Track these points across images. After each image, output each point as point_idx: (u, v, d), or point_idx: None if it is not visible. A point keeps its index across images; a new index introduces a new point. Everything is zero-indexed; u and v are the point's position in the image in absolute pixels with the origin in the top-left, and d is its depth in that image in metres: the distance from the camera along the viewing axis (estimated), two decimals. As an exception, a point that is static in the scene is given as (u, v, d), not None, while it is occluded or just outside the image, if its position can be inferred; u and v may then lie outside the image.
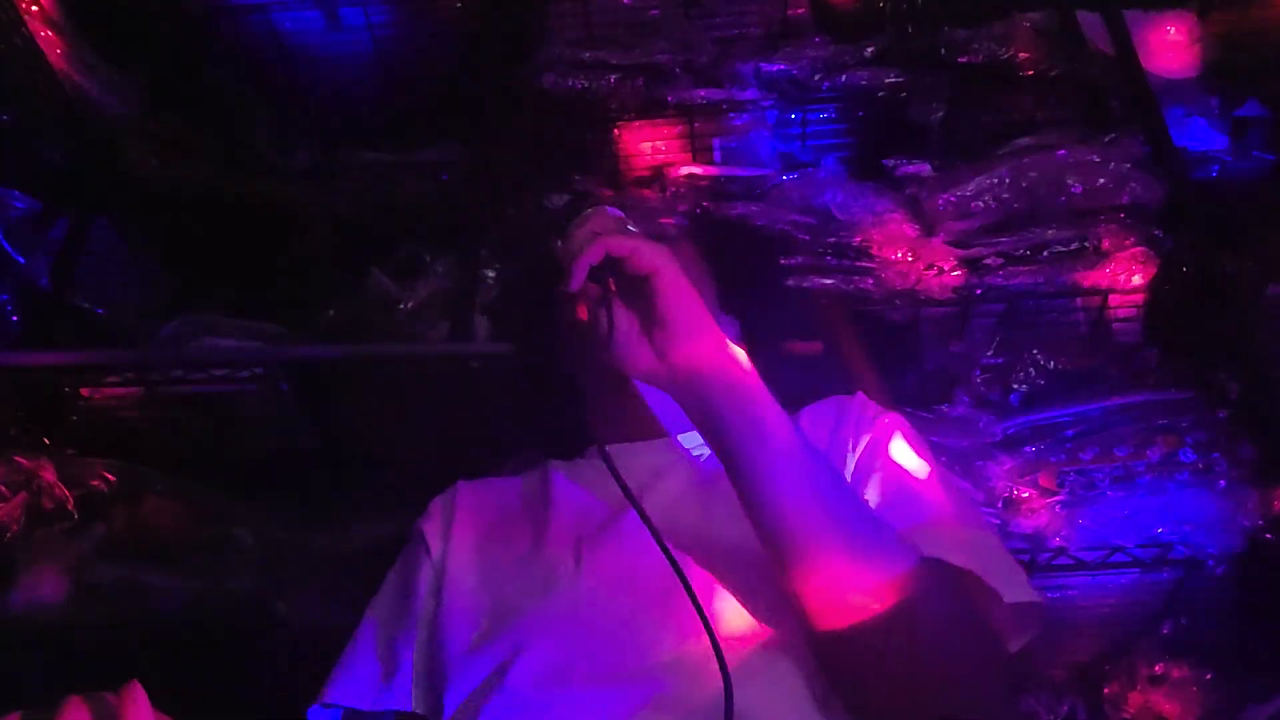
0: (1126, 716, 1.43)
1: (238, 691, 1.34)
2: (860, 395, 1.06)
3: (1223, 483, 1.41)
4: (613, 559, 0.93)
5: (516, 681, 0.86)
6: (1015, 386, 1.54)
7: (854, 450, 0.98)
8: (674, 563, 0.78)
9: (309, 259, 1.74)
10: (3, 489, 1.42)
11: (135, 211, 1.79)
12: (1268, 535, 1.38)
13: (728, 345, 0.84)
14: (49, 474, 1.43)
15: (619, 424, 1.06)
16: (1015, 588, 0.84)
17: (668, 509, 0.93)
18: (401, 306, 1.64)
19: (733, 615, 0.86)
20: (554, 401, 1.24)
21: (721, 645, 0.76)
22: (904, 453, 0.96)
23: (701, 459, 1.03)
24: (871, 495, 0.92)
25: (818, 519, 0.80)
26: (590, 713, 0.82)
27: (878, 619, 0.78)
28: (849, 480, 0.95)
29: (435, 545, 1.02)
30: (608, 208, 0.99)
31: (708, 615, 0.77)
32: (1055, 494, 1.43)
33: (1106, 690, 1.46)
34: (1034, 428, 1.50)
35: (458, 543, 1.01)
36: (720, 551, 0.89)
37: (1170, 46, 1.76)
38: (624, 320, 0.84)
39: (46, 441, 1.52)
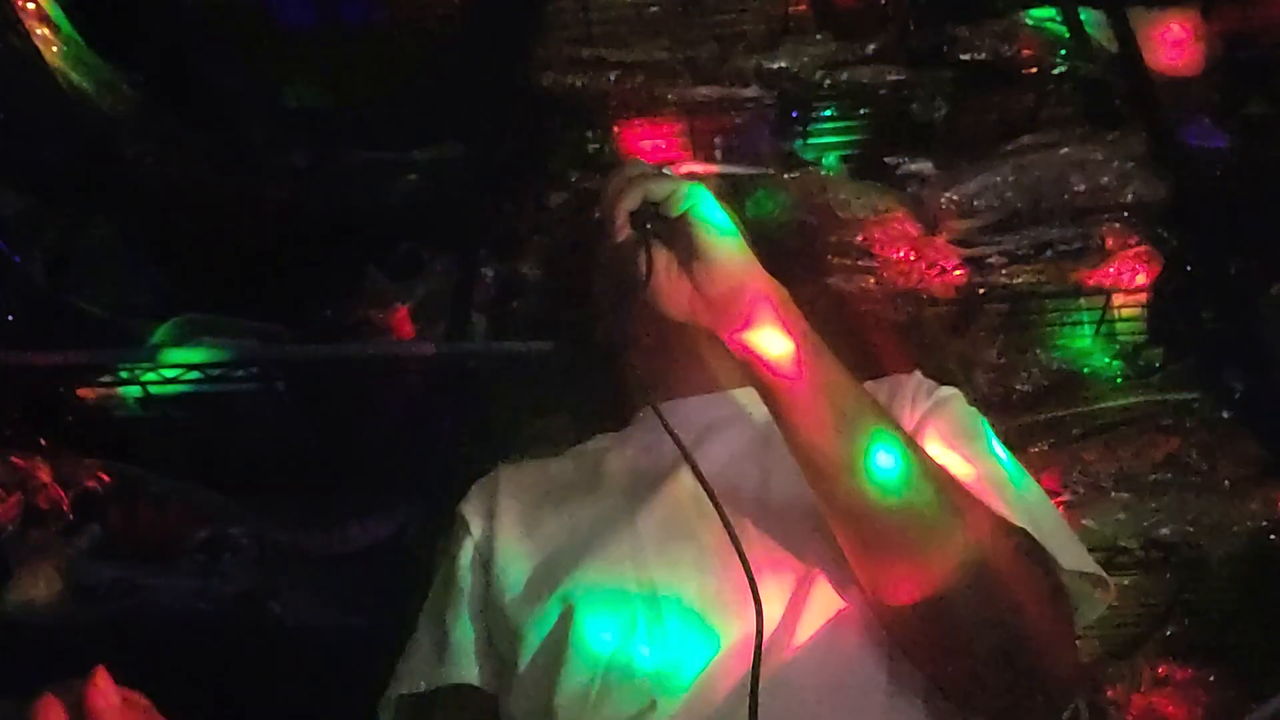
0: (1130, 718, 1.42)
1: (234, 692, 1.33)
2: (917, 373, 1.05)
3: (1227, 483, 1.40)
4: (670, 515, 0.92)
5: (578, 634, 0.86)
6: (1018, 386, 1.54)
7: (910, 420, 0.96)
8: (724, 516, 0.77)
9: (308, 259, 1.73)
10: (-2, 489, 1.42)
11: (133, 211, 1.79)
12: (1271, 536, 1.38)
13: (767, 277, 0.83)
14: (45, 474, 1.43)
15: (668, 381, 1.06)
16: (1075, 557, 0.83)
17: (723, 463, 0.92)
18: (401, 306, 1.63)
19: (785, 572, 0.85)
20: (587, 391, 1.24)
21: (774, 601, 0.75)
22: (961, 422, 0.95)
23: (751, 415, 1.02)
24: None
25: (889, 493, 0.78)
26: (651, 655, 0.83)
27: (950, 587, 0.76)
28: None
29: (477, 525, 1.01)
30: (636, 158, 0.99)
31: (758, 569, 0.76)
32: (1058, 494, 1.42)
33: (1110, 692, 1.45)
34: (1036, 427, 1.49)
35: (503, 518, 1.00)
36: (772, 504, 0.89)
37: (1174, 44, 1.75)
38: (664, 260, 0.84)
39: (42, 441, 1.52)
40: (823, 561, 0.85)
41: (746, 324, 0.80)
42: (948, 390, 1.01)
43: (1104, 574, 0.85)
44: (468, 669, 0.94)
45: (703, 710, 0.80)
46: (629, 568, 0.89)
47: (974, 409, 0.99)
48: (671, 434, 0.80)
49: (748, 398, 1.03)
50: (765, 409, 0.83)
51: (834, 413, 0.79)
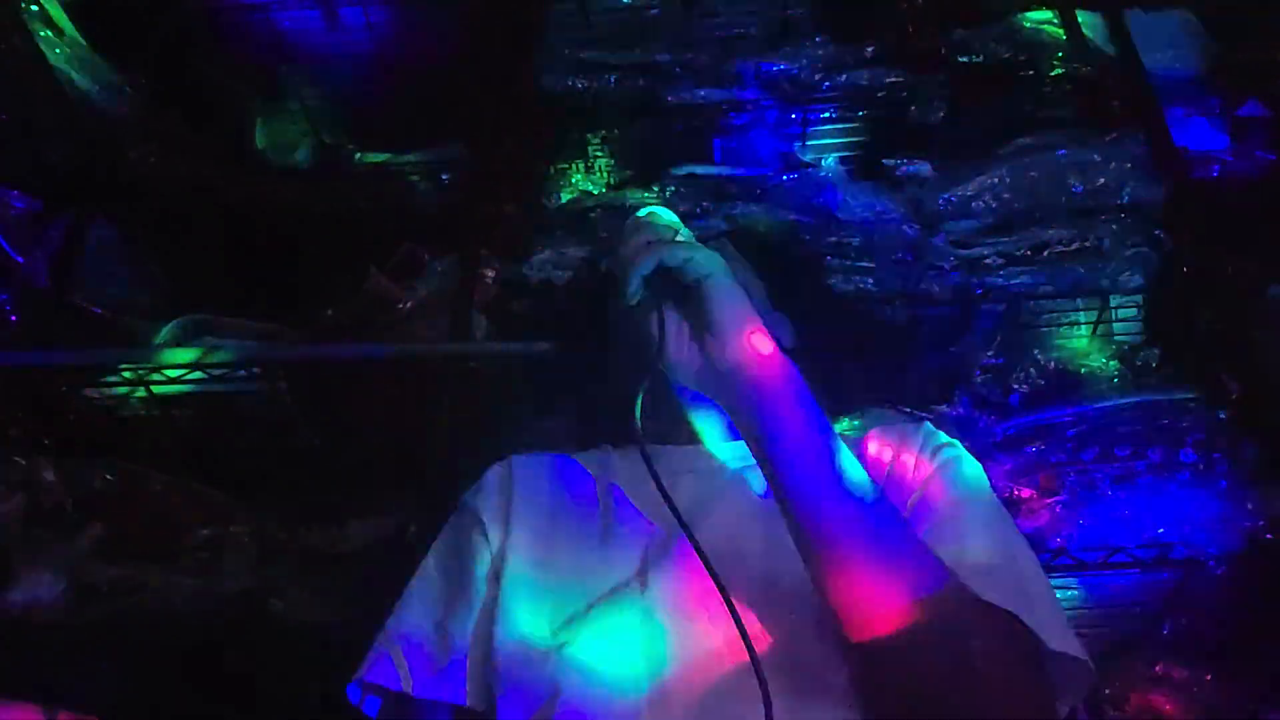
0: (1127, 716, 1.42)
1: (235, 689, 1.34)
2: (927, 424, 1.06)
3: (1223, 483, 1.41)
4: (681, 589, 0.91)
5: (572, 700, 0.85)
6: (1015, 386, 1.54)
7: (913, 477, 0.97)
8: (723, 589, 0.78)
9: (309, 259, 1.74)
10: (2, 488, 1.42)
11: (135, 211, 1.79)
12: (1268, 535, 1.38)
13: (777, 354, 0.84)
14: (48, 473, 1.44)
15: (669, 429, 1.06)
16: (1060, 638, 0.82)
17: (728, 527, 0.92)
18: (401, 306, 1.64)
19: (793, 658, 0.84)
20: (583, 399, 1.24)
21: (773, 671, 0.75)
22: (964, 487, 0.95)
23: (749, 475, 1.02)
24: (926, 524, 0.91)
25: (854, 531, 0.79)
26: None
27: (911, 636, 0.77)
28: (909, 506, 0.94)
29: (495, 532, 0.99)
30: (658, 209, 0.99)
31: (755, 636, 0.77)
32: (1056, 494, 1.43)
33: (1107, 690, 1.46)
34: (1034, 428, 1.50)
35: (518, 530, 0.98)
36: (779, 581, 0.89)
37: (1171, 46, 1.76)
38: (675, 327, 0.86)
39: (45, 441, 1.52)
40: (822, 637, 0.85)
41: (752, 405, 0.83)
42: (954, 450, 1.00)
43: (1088, 660, 0.84)
44: (473, 693, 0.92)
45: None
46: (635, 637, 0.88)
47: (978, 468, 0.99)
48: (679, 519, 0.80)
49: (737, 453, 1.04)
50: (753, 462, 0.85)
51: (824, 492, 0.80)
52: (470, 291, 1.61)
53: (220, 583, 1.40)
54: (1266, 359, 1.48)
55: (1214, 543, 1.39)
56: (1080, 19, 1.75)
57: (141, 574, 1.40)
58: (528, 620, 0.92)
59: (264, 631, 1.38)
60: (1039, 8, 1.77)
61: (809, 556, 0.82)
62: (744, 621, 0.77)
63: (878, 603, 0.78)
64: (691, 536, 0.80)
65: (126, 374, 1.55)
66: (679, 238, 0.89)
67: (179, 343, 1.59)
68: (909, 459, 0.99)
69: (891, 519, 0.82)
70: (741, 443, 0.88)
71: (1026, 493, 1.43)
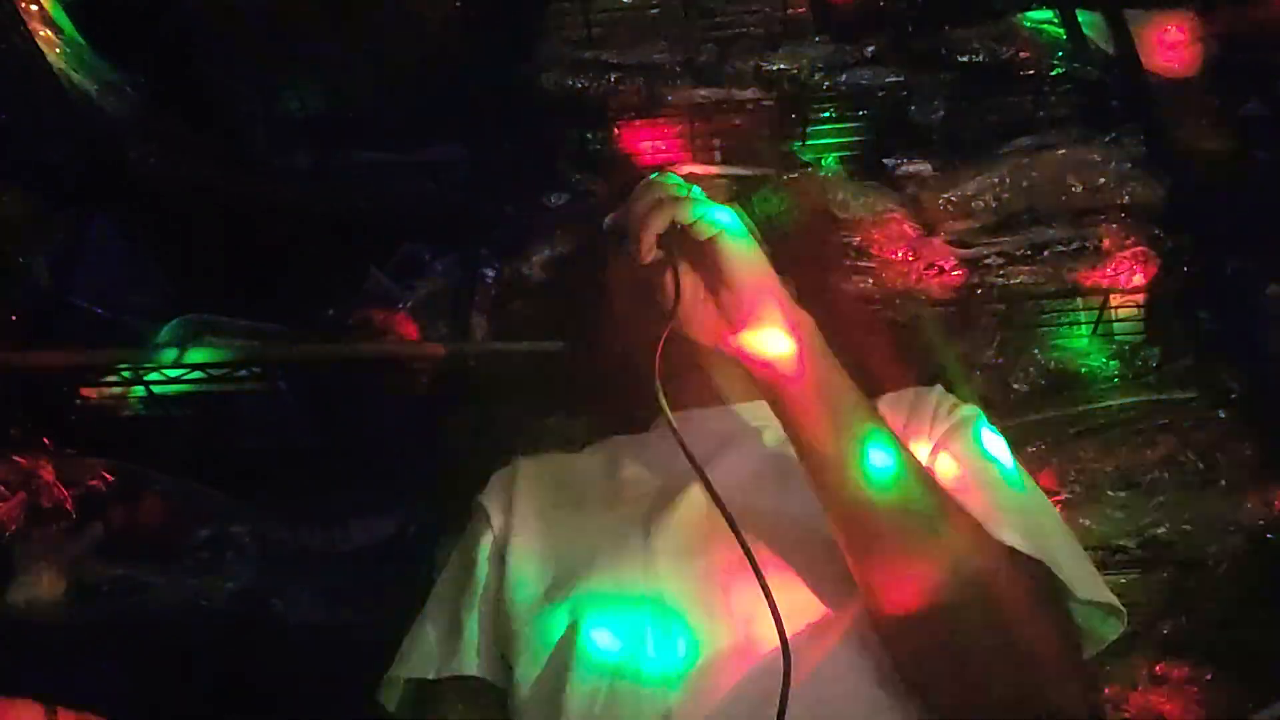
0: (1127, 717, 1.42)
1: (236, 689, 1.34)
2: (939, 387, 1.06)
3: (1224, 483, 1.41)
4: (683, 531, 0.92)
5: (586, 644, 0.86)
6: (1015, 386, 1.54)
7: (930, 437, 0.97)
8: (739, 535, 0.77)
9: (309, 259, 1.74)
10: (1, 488, 1.42)
11: (135, 211, 1.79)
12: (1268, 535, 1.38)
13: (794, 307, 0.83)
14: (48, 473, 1.44)
15: (681, 394, 1.05)
16: (1089, 586, 0.83)
17: (738, 478, 0.92)
18: (401, 306, 1.64)
19: (796, 591, 0.85)
20: (589, 391, 1.24)
21: (784, 621, 0.74)
22: (981, 443, 0.95)
23: (764, 431, 1.03)
24: (949, 479, 0.90)
25: (889, 495, 0.78)
26: (655, 675, 0.82)
27: (947, 605, 0.76)
28: (929, 464, 0.93)
29: (497, 518, 1.02)
30: (669, 170, 0.99)
31: (772, 589, 0.76)
32: (1055, 494, 1.42)
33: (1106, 690, 1.46)
34: (1034, 427, 1.49)
35: (521, 513, 1.01)
36: (786, 525, 0.89)
37: (1171, 46, 1.76)
38: (690, 285, 0.85)
39: (46, 441, 1.52)
40: (828, 582, 0.85)
41: (771, 360, 0.81)
42: (970, 409, 1.00)
43: (1118, 603, 0.85)
44: (477, 662, 0.94)
45: None
46: (639, 581, 0.89)
47: (994, 428, 0.99)
48: (687, 453, 0.80)
49: (761, 412, 1.03)
50: (777, 426, 0.84)
51: (854, 452, 0.79)
52: (471, 292, 1.61)
53: (220, 583, 1.40)
54: (1266, 358, 1.48)
55: (1214, 543, 1.39)
56: (1080, 19, 1.74)
57: (141, 574, 1.40)
58: (534, 583, 0.94)
59: (264, 631, 1.38)
60: (1039, 8, 1.76)
61: (842, 529, 0.81)
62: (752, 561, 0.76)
63: (917, 574, 0.77)
64: (701, 472, 0.79)
65: (127, 374, 1.55)
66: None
67: (180, 343, 1.59)
68: (924, 417, 0.99)
69: (927, 484, 0.81)
70: (761, 403, 0.87)
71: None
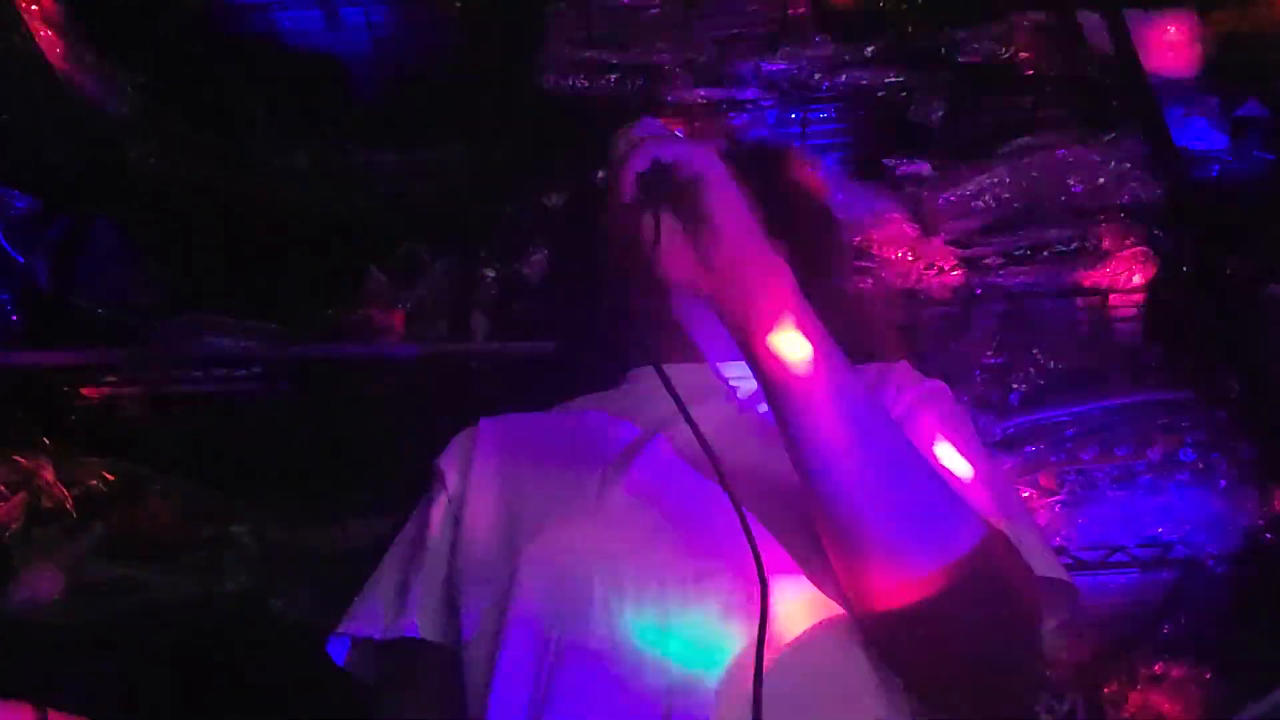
0: (1126, 716, 1.42)
1: (236, 689, 1.34)
2: (905, 362, 1.04)
3: (1223, 482, 1.41)
4: (640, 478, 0.91)
5: (529, 597, 0.84)
6: (1015, 386, 1.54)
7: (897, 406, 0.95)
8: (721, 474, 0.75)
9: (309, 259, 1.74)
10: (2, 488, 1.42)
11: (135, 211, 1.79)
12: (1268, 535, 1.38)
13: (774, 254, 0.80)
14: (48, 473, 1.44)
15: (662, 347, 1.04)
16: (1046, 564, 0.83)
17: (708, 431, 0.91)
18: (401, 306, 1.64)
19: (769, 550, 0.81)
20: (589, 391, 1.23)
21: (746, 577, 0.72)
22: (945, 418, 0.94)
23: (739, 390, 1.01)
24: None
25: (861, 444, 0.76)
26: (605, 627, 0.81)
27: (940, 587, 0.75)
28: None
29: (452, 479, 1.00)
30: (647, 118, 0.98)
31: (731, 550, 0.74)
32: (1055, 494, 1.43)
33: (1106, 689, 1.46)
34: (1034, 428, 1.50)
35: (478, 474, 0.99)
36: (757, 481, 0.85)
37: (1170, 46, 1.76)
38: (670, 225, 0.81)
39: (46, 441, 1.52)
40: (798, 547, 0.83)
41: (747, 309, 0.79)
42: (935, 384, 1.00)
43: (1072, 581, 0.84)
44: (426, 624, 0.92)
45: (670, 684, 0.77)
46: (587, 538, 0.87)
47: (959, 405, 0.98)
48: (674, 395, 0.77)
49: (732, 371, 1.02)
50: (749, 384, 0.83)
51: (831, 414, 0.77)
52: (470, 291, 1.61)
53: (220, 583, 1.40)
54: (1266, 359, 1.48)
55: (1214, 543, 1.40)
56: (1080, 19, 1.74)
57: (141, 574, 1.40)
58: (485, 544, 0.92)
59: (264, 631, 1.38)
60: (1039, 8, 1.76)
61: (818, 502, 0.79)
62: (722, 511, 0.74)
63: (917, 567, 0.75)
64: (687, 414, 0.77)
65: (127, 374, 1.55)
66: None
67: (179, 343, 1.59)
68: (890, 389, 0.97)
69: (908, 450, 0.79)
70: (739, 363, 0.84)
71: (1026, 492, 1.43)
